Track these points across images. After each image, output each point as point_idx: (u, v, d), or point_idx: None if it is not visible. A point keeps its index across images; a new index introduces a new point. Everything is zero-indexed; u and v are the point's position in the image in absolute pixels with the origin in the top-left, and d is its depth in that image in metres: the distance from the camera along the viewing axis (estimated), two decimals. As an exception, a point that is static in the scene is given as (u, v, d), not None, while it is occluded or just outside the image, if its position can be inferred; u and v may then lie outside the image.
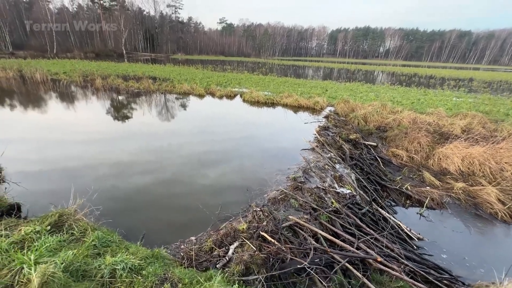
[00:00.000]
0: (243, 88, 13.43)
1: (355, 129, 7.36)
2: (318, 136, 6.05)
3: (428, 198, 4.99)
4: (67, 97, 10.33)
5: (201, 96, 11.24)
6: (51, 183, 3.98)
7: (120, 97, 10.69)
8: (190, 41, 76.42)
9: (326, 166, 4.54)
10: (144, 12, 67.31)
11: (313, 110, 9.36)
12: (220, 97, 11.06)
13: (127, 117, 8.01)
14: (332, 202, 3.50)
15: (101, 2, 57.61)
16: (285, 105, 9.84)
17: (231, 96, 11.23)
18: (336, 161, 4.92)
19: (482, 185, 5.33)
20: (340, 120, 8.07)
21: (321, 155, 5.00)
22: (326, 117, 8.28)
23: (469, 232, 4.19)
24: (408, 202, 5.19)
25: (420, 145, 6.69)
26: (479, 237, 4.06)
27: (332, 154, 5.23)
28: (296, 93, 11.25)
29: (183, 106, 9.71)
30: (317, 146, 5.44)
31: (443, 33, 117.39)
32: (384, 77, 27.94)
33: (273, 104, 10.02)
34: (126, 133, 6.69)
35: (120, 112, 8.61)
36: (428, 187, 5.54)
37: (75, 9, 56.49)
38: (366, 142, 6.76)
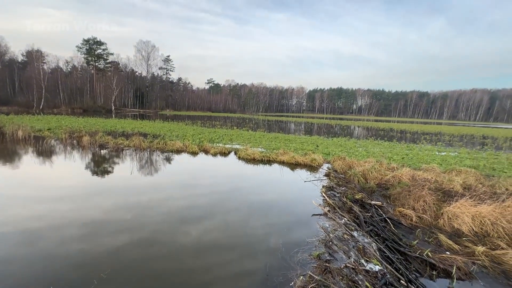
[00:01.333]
0: (236, 144, 13.48)
1: (358, 188, 7.19)
2: (327, 198, 5.76)
3: (455, 268, 4.55)
4: (49, 155, 9.63)
5: (194, 153, 10.98)
6: (7, 248, 3.34)
7: (107, 155, 10.16)
8: (178, 98, 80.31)
9: (345, 236, 4.12)
10: (137, 73, 71.74)
11: (311, 167, 9.30)
12: (215, 155, 10.86)
13: (112, 176, 7.46)
14: (366, 286, 2.98)
15: (96, 64, 61.20)
16: (282, 163, 9.74)
17: (225, 153, 11.08)
18: (352, 228, 4.52)
19: (503, 248, 5.04)
20: (341, 178, 7.96)
21: (335, 221, 4.61)
22: (327, 175, 8.16)
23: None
24: (434, 272, 4.70)
25: (426, 203, 6.54)
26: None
27: (345, 219, 4.86)
28: (289, 150, 11.37)
29: (176, 164, 9.31)
30: (328, 210, 5.09)
31: (405, 93, 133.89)
32: (362, 132, 29.84)
33: (269, 162, 9.90)
34: (109, 192, 6.13)
35: (107, 170, 8.00)
36: (447, 252, 5.15)
37: (69, 69, 59.16)
38: (373, 202, 6.51)
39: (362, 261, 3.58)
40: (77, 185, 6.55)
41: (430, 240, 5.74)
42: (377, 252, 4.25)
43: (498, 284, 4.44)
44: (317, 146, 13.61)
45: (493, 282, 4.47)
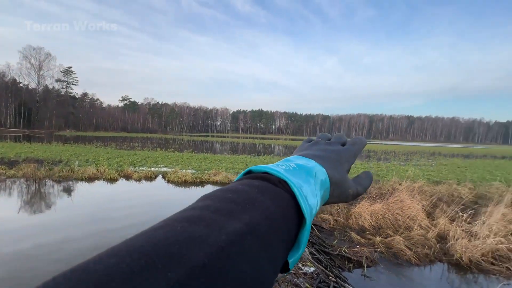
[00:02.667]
0: (163, 167, 12.55)
1: (287, 200, 7.96)
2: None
3: (364, 258, 5.64)
4: None
5: (113, 180, 9.56)
6: None
7: (-20, 192, 7.58)
8: (83, 117, 68.18)
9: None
10: (21, 84, 57.26)
11: (243, 185, 9.66)
12: (138, 180, 9.77)
13: None
14: (306, 287, 3.39)
15: (-48, 68, 45.55)
16: (215, 183, 9.72)
17: (151, 178, 10.14)
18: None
19: (391, 236, 6.61)
20: (271, 193, 8.61)
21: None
22: (259, 191, 8.67)
23: (401, 281, 4.84)
24: (350, 265, 5.67)
25: (339, 207, 7.88)
26: (410, 284, 4.76)
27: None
28: (221, 169, 11.49)
29: (85, 195, 7.87)
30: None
31: (313, 116, 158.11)
32: (281, 149, 33.22)
33: (202, 183, 9.69)
34: None
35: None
36: (358, 246, 6.34)
37: None
38: (300, 212, 7.33)
39: (300, 265, 4.01)
40: None
41: (345, 238, 6.91)
42: (310, 256, 4.83)
43: (391, 264, 5.77)
44: (247, 164, 14.27)
45: (388, 263, 5.77)
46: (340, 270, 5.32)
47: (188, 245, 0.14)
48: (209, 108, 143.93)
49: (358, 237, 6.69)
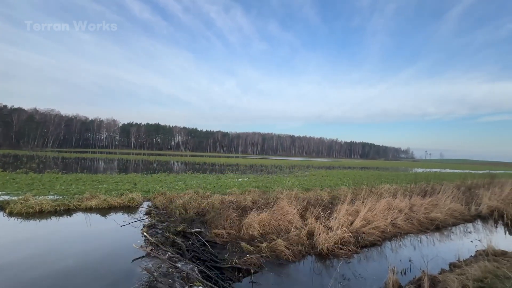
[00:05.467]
0: (3, 194, 9.04)
1: (179, 220, 7.56)
2: (149, 237, 5.50)
3: (252, 265, 6.07)
4: None
5: None
6: None
7: None
8: None
9: (170, 269, 4.22)
10: None
11: (129, 208, 8.37)
12: (-50, 217, 6.55)
13: None
14: (192, 308, 3.27)
15: None
16: (89, 209, 7.89)
17: (-22, 211, 7.05)
18: (176, 259, 4.71)
19: (274, 239, 7.48)
20: (162, 214, 7.92)
21: (159, 258, 4.56)
22: (148, 213, 7.74)
23: (282, 280, 5.52)
24: (240, 275, 5.92)
25: (232, 220, 8.20)
26: (287, 280, 5.50)
27: (169, 253, 4.95)
28: (100, 192, 9.55)
29: None
30: (151, 250, 4.91)
31: (213, 133, 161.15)
32: (180, 166, 31.77)
33: (68, 211, 7.64)
34: None
35: None
36: (248, 255, 6.76)
37: None
38: (193, 230, 7.13)
39: (187, 287, 3.82)
40: None
41: (236, 249, 7.20)
42: (199, 274, 4.69)
43: (274, 265, 6.49)
44: (135, 184, 12.56)
45: (272, 266, 6.45)
46: (230, 282, 5.45)
47: None
48: (90, 118, 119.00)
49: (248, 246, 7.15)
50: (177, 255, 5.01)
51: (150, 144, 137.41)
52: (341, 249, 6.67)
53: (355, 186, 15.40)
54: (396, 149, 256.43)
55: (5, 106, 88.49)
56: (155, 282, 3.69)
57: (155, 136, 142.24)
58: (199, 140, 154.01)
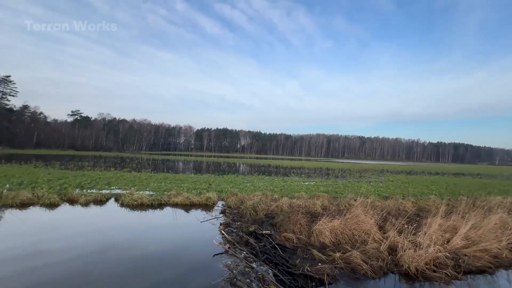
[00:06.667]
0: (116, 189, 11.44)
1: (251, 221, 7.87)
2: (226, 235, 5.93)
3: (325, 275, 5.76)
4: None
5: (53, 205, 8.35)
6: None
7: None
8: (22, 132, 59.66)
9: (247, 269, 4.40)
10: None
11: (206, 206, 9.29)
12: (86, 204, 8.71)
13: None
14: (270, 311, 3.30)
15: None
16: (176, 205, 9.16)
17: (101, 201, 9.13)
18: (251, 260, 4.89)
19: (349, 251, 6.92)
20: (235, 213, 8.44)
21: (236, 256, 4.83)
22: (223, 212, 8.42)
23: (363, 296, 5.03)
24: (313, 283, 5.71)
25: (301, 225, 8.04)
26: (369, 299, 4.97)
27: (244, 252, 5.19)
28: (183, 190, 10.94)
29: (14, 225, 6.72)
30: (229, 247, 5.26)
31: (276, 135, 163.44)
32: (246, 168, 33.32)
33: (161, 205, 9.05)
34: None
35: None
36: (319, 264, 6.46)
37: None
38: (264, 232, 7.29)
39: (263, 289, 3.91)
40: None
41: (307, 256, 7.00)
42: (273, 278, 4.75)
43: (350, 279, 5.99)
44: (210, 184, 13.87)
45: (347, 279, 5.98)
46: (303, 289, 5.32)
47: None
48: (172, 125, 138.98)
49: (320, 254, 6.84)
50: (251, 255, 5.22)
51: (219, 147, 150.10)
52: (434, 271, 5.64)
53: (449, 196, 12.83)
54: (506, 152, 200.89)
55: (114, 118, 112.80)
56: (234, 279, 3.91)
57: (223, 140, 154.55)
58: (263, 142, 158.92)
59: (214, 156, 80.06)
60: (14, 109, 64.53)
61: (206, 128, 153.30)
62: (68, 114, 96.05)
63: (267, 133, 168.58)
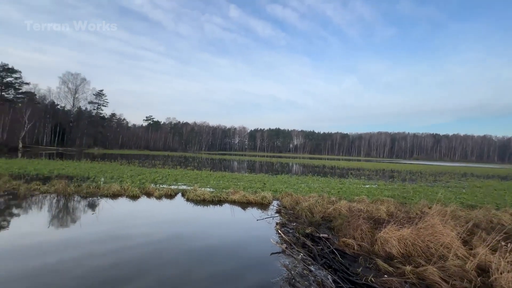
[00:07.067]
0: (182, 184, 12.78)
1: (307, 222, 7.68)
2: (283, 235, 5.94)
3: (394, 288, 5.17)
4: None
5: (135, 197, 9.86)
6: None
7: (20, 205, 8.13)
8: (110, 136, 72.44)
9: (305, 271, 4.30)
10: (58, 106, 62.75)
11: (261, 205, 9.51)
12: (159, 197, 9.99)
13: (16, 231, 5.96)
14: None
15: (3, 93, 51.23)
16: (233, 202, 9.67)
17: (171, 195, 10.33)
18: (309, 262, 4.76)
19: (423, 265, 6.04)
20: (290, 214, 8.37)
21: (294, 257, 4.77)
22: (278, 211, 8.48)
23: (443, 320, 4.32)
24: (378, 296, 5.20)
25: (363, 231, 7.42)
26: (451, 324, 4.23)
27: (302, 254, 5.08)
28: (239, 188, 11.45)
29: (108, 212, 8.10)
30: (286, 247, 5.25)
31: (331, 135, 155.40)
32: (299, 168, 32.61)
33: (220, 202, 9.68)
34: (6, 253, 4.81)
35: (10, 225, 6.35)
36: (385, 276, 5.84)
37: (-42, 97, 47.45)
38: (321, 235, 7.01)
39: (323, 294, 3.75)
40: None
41: (370, 266, 6.42)
42: (333, 284, 4.52)
43: (425, 298, 5.21)
44: (264, 183, 14.13)
45: (421, 297, 5.23)
46: (366, 301, 4.89)
47: None
48: (227, 127, 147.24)
49: (386, 265, 6.18)
50: (309, 258, 5.08)
51: (272, 147, 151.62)
52: (548, 304, 4.44)
53: None
54: None
55: (178, 122, 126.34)
56: (293, 280, 3.87)
57: (276, 140, 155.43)
58: (316, 142, 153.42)
59: (267, 156, 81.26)
60: (106, 117, 79.07)
61: (259, 129, 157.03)
62: (143, 119, 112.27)
63: (321, 132, 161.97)
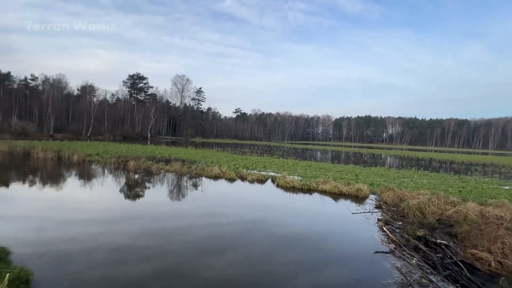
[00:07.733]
0: (270, 171, 13.33)
1: (417, 223, 6.48)
2: (389, 234, 5.21)
3: None
4: (98, 178, 10.33)
5: (231, 180, 11.02)
6: (40, 271, 3.33)
7: (150, 180, 10.63)
8: (207, 127, 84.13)
9: (423, 280, 3.59)
10: (171, 104, 77.57)
11: (356, 198, 8.72)
12: (252, 182, 10.78)
13: (147, 201, 7.86)
14: None
15: (137, 96, 67.78)
16: (323, 192, 9.29)
17: (262, 181, 10.94)
18: (428, 270, 3.95)
19: None
20: (393, 211, 7.29)
21: (407, 261, 4.08)
22: (378, 207, 7.55)
23: None
24: (538, 335, 3.81)
25: (506, 246, 5.59)
26: None
27: (416, 259, 4.29)
28: (329, 178, 10.90)
29: (210, 191, 9.30)
30: (394, 248, 4.56)
31: (441, 121, 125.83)
32: (398, 161, 27.99)
33: (309, 191, 9.51)
34: (140, 216, 6.31)
35: (144, 195, 8.34)
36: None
37: (114, 101, 66.10)
38: (438, 241, 5.76)
39: (455, 313, 3.02)
40: (117, 208, 6.93)
41: (520, 291, 4.78)
42: (465, 304, 3.60)
43: None
44: (357, 175, 12.90)
45: None
46: (519, 338, 3.67)
47: None
48: (310, 116, 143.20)
49: (549, 297, 4.43)
50: (426, 265, 4.24)
51: (361, 137, 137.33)
52: None
53: None
54: None
55: (263, 113, 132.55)
56: (410, 287, 3.30)
57: (366, 129, 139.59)
58: (419, 131, 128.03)
59: (355, 147, 74.26)
60: (204, 111, 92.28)
61: (345, 117, 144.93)
62: (233, 112, 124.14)
63: (426, 118, 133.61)
